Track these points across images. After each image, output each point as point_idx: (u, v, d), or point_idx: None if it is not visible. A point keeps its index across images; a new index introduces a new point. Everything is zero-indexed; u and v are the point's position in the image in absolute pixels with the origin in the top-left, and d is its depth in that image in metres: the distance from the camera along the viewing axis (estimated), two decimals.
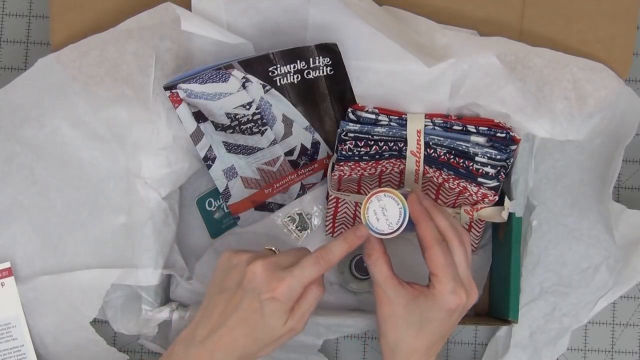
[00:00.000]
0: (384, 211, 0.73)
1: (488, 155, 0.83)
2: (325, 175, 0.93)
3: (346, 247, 0.73)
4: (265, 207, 0.92)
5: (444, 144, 0.84)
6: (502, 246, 0.89)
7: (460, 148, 0.84)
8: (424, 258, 0.75)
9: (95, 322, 0.88)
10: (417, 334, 0.74)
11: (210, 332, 0.72)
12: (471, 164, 0.84)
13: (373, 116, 0.86)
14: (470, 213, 0.86)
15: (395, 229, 0.73)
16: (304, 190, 0.93)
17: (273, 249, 0.76)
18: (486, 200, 0.85)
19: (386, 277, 0.74)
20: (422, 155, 0.85)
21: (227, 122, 0.83)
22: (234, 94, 0.82)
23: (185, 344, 0.72)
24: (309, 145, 0.90)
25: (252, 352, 0.72)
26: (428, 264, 0.73)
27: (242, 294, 0.71)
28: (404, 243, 0.89)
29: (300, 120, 0.87)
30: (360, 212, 0.76)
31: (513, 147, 0.85)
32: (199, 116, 0.82)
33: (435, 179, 0.86)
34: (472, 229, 0.90)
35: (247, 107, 0.83)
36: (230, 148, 0.86)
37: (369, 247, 0.75)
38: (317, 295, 0.74)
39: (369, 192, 0.89)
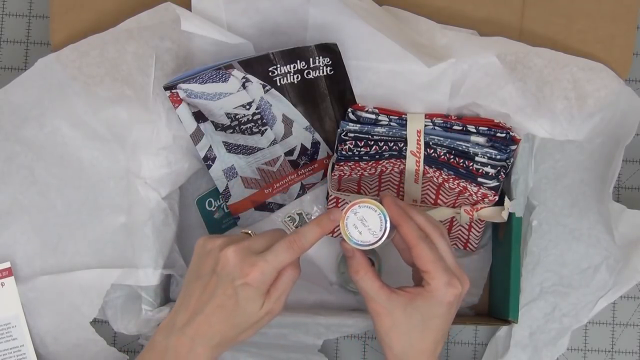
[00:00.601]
0: (364, 222, 0.73)
1: (488, 155, 0.83)
2: (325, 175, 0.93)
3: (319, 232, 0.73)
4: (265, 207, 0.92)
5: (444, 144, 0.84)
6: (502, 246, 0.89)
7: (460, 148, 0.84)
8: (405, 259, 0.75)
9: (95, 322, 0.88)
10: (422, 335, 0.74)
11: (188, 319, 0.71)
12: (471, 164, 0.84)
13: (373, 116, 0.86)
14: (470, 213, 0.86)
15: (380, 236, 0.73)
16: (304, 190, 0.93)
17: (249, 232, 0.76)
18: (486, 200, 0.85)
19: (378, 288, 0.74)
20: (422, 155, 0.85)
21: (227, 122, 0.83)
22: (234, 94, 0.82)
23: (165, 332, 0.72)
24: (309, 145, 0.90)
25: (231, 337, 0.72)
26: (417, 262, 0.73)
27: (217, 280, 0.71)
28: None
29: (300, 120, 0.87)
30: None
31: (513, 147, 0.85)
32: (199, 116, 0.82)
33: (435, 179, 0.86)
34: (472, 229, 0.90)
35: (247, 107, 0.83)
36: (230, 148, 0.86)
37: (354, 263, 0.75)
38: (292, 277, 0.73)
39: (368, 193, 0.90)
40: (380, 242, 0.73)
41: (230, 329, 0.72)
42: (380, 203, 0.74)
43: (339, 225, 0.91)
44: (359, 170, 0.87)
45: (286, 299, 0.74)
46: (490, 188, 0.84)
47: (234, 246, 0.71)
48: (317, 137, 0.89)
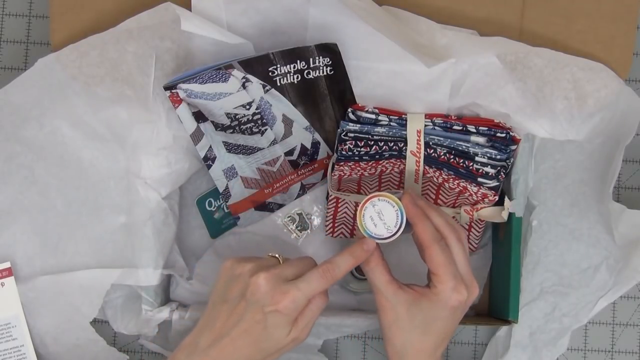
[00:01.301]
0: (381, 215, 0.73)
1: (488, 155, 0.83)
2: (325, 175, 0.93)
3: (353, 262, 0.73)
4: (265, 207, 0.92)
5: (444, 144, 0.84)
6: (502, 246, 0.89)
7: (460, 148, 0.84)
8: (422, 258, 0.75)
9: (95, 322, 0.88)
10: (422, 335, 0.74)
11: (213, 342, 0.71)
12: (471, 164, 0.84)
13: (373, 116, 0.86)
14: (470, 213, 0.86)
15: (394, 232, 0.73)
16: (304, 190, 0.93)
17: (277, 256, 0.76)
18: (486, 200, 0.85)
19: (386, 282, 0.74)
20: (422, 155, 0.85)
21: (227, 122, 0.83)
22: (234, 94, 0.82)
23: (187, 351, 0.72)
24: (309, 145, 0.90)
25: None
26: (428, 264, 0.73)
27: (245, 305, 0.71)
28: (403, 242, 0.89)
29: (300, 120, 0.87)
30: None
31: (513, 147, 0.85)
32: (199, 116, 0.82)
33: (435, 179, 0.86)
34: (472, 229, 0.90)
35: (247, 107, 0.83)
36: (230, 148, 0.86)
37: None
38: (321, 306, 0.74)
39: (368, 193, 0.90)
40: (392, 238, 0.73)
41: (255, 354, 0.72)
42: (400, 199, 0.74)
43: (343, 226, 0.91)
44: (359, 170, 0.87)
45: (312, 326, 0.74)
46: (490, 188, 0.84)
47: (265, 273, 0.71)
48: (317, 137, 0.89)
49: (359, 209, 0.73)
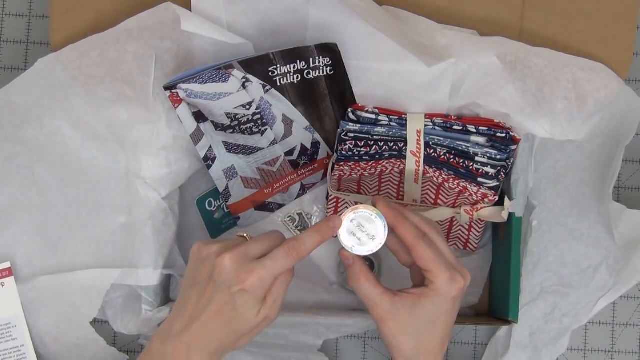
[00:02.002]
0: (362, 228, 0.73)
1: (488, 155, 0.83)
2: (325, 175, 0.93)
3: (319, 239, 0.73)
4: (265, 207, 0.92)
5: (444, 144, 0.84)
6: (502, 246, 0.89)
7: (460, 148, 0.84)
8: (405, 260, 0.75)
9: (95, 322, 0.88)
10: (430, 334, 0.74)
11: (185, 326, 0.71)
12: (471, 164, 0.84)
13: (373, 116, 0.86)
14: (470, 213, 0.86)
15: (381, 239, 0.74)
16: (304, 190, 0.93)
17: (245, 235, 0.75)
18: (486, 200, 0.85)
19: (380, 294, 0.74)
20: (422, 155, 0.85)
21: (227, 122, 0.83)
22: (234, 94, 0.82)
23: (162, 338, 0.72)
24: (309, 145, 0.90)
25: (229, 344, 0.72)
26: (419, 262, 0.73)
27: (213, 287, 0.71)
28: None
29: (300, 120, 0.87)
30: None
31: (513, 147, 0.85)
32: (199, 116, 0.82)
33: (435, 179, 0.86)
34: (472, 229, 0.90)
35: (247, 107, 0.83)
36: (230, 148, 0.86)
37: (354, 271, 0.75)
38: (287, 281, 0.73)
39: (368, 193, 0.90)
40: (380, 246, 0.73)
41: (228, 336, 0.71)
42: (374, 206, 0.74)
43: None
44: (359, 170, 0.87)
45: (282, 303, 0.73)
46: (490, 188, 0.84)
47: (230, 252, 0.71)
48: (317, 137, 0.89)
49: (339, 229, 0.73)
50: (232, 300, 0.70)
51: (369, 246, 0.74)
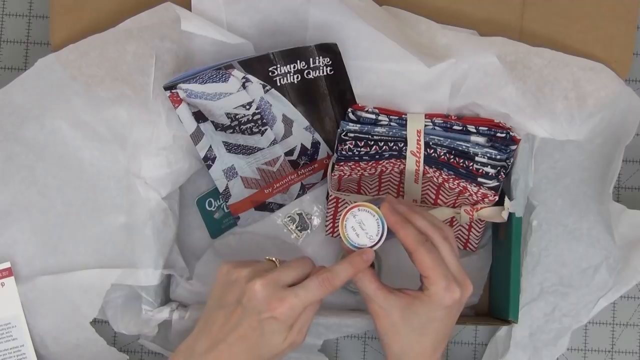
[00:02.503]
0: (362, 225, 0.74)
1: (488, 155, 0.83)
2: (325, 175, 0.93)
3: (352, 272, 0.73)
4: (265, 207, 0.92)
5: (444, 144, 0.84)
6: (502, 246, 0.89)
7: (460, 148, 0.84)
8: (412, 261, 0.75)
9: (95, 322, 0.88)
10: (420, 337, 0.74)
11: (210, 347, 0.71)
12: (471, 164, 0.84)
13: (373, 116, 0.86)
14: (470, 213, 0.86)
15: (376, 241, 0.73)
16: (304, 190, 0.93)
17: (274, 259, 0.75)
18: (486, 200, 0.85)
19: (375, 289, 0.74)
20: (422, 155, 0.85)
21: (227, 122, 0.83)
22: (234, 94, 0.82)
23: (185, 355, 0.72)
24: (309, 145, 0.90)
25: None
26: (417, 267, 0.73)
27: (242, 311, 0.71)
28: (398, 244, 0.89)
29: (300, 120, 0.87)
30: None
31: (513, 147, 0.85)
32: (199, 116, 0.82)
33: (435, 179, 0.86)
34: (472, 229, 0.90)
35: (247, 107, 0.83)
36: (230, 148, 0.86)
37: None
38: (315, 310, 0.74)
39: (368, 193, 0.90)
40: (376, 247, 0.73)
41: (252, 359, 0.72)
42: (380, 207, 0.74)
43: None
44: (359, 170, 0.87)
45: (308, 330, 0.74)
46: (490, 188, 0.84)
47: (262, 279, 0.71)
48: (317, 137, 0.89)
49: (340, 220, 0.74)
50: (261, 327, 0.70)
51: (365, 245, 0.74)
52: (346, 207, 0.89)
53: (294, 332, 0.72)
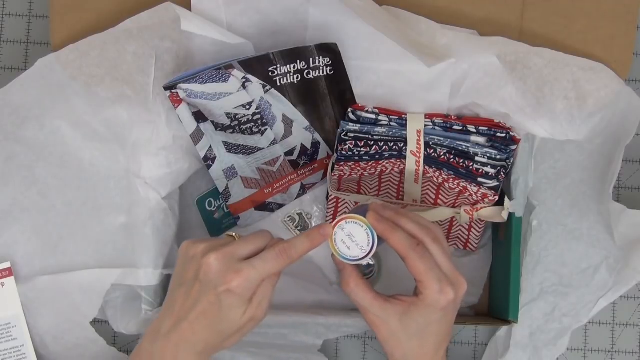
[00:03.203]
0: (352, 237, 0.73)
1: (488, 155, 0.83)
2: (325, 175, 0.93)
3: (309, 245, 0.73)
4: (265, 207, 0.92)
5: (444, 144, 0.84)
6: (502, 246, 0.89)
7: (460, 148, 0.84)
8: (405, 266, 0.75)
9: (95, 322, 0.88)
10: (421, 342, 0.74)
11: (173, 326, 0.71)
12: (471, 164, 0.84)
13: (373, 116, 0.86)
14: (470, 213, 0.86)
15: (368, 251, 0.73)
16: (304, 190, 0.93)
17: (233, 234, 0.75)
18: (486, 200, 0.85)
19: (371, 299, 0.74)
20: (422, 155, 0.85)
21: (227, 122, 0.83)
22: (234, 94, 0.82)
23: (151, 338, 0.72)
24: (309, 145, 0.90)
25: (216, 344, 0.72)
26: (410, 272, 0.73)
27: (200, 287, 0.70)
28: None
29: (300, 120, 0.87)
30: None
31: (513, 147, 0.85)
32: (199, 116, 0.82)
33: (435, 179, 0.86)
34: (472, 229, 0.90)
35: (247, 107, 0.83)
36: (230, 148, 0.86)
37: (345, 275, 0.74)
38: (273, 282, 0.73)
39: (368, 193, 0.90)
40: (368, 257, 0.73)
41: (214, 336, 0.71)
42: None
43: None
44: (359, 170, 0.87)
45: (268, 303, 0.73)
46: (490, 188, 0.84)
47: (217, 252, 0.70)
48: (317, 137, 0.89)
49: (330, 235, 0.73)
50: (218, 301, 0.70)
51: (357, 256, 0.73)
52: (346, 207, 0.90)
53: (253, 305, 0.71)
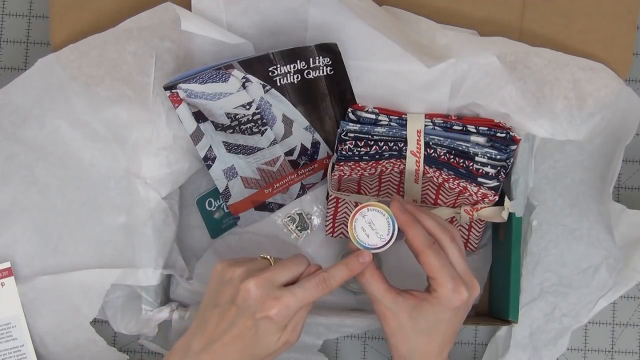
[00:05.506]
0: (372, 225, 0.73)
1: (488, 155, 0.83)
2: (325, 175, 0.93)
3: (348, 274, 0.73)
4: (265, 207, 0.92)
5: (444, 144, 0.84)
6: (502, 246, 0.89)
7: (460, 148, 0.84)
8: (419, 262, 0.75)
9: (95, 322, 0.88)
10: (428, 339, 0.74)
11: (205, 346, 0.71)
12: (471, 164, 0.84)
13: (373, 116, 0.86)
14: (470, 213, 0.86)
15: (387, 240, 0.73)
16: (304, 190, 0.93)
17: (268, 257, 0.75)
18: (486, 200, 0.85)
19: (384, 291, 0.74)
20: (422, 155, 0.85)
21: (227, 122, 0.83)
22: (234, 94, 0.82)
23: (180, 355, 0.72)
24: (309, 145, 0.90)
25: None
26: (424, 269, 0.73)
27: (236, 311, 0.71)
28: (403, 245, 0.89)
29: (300, 120, 0.87)
30: None
31: (513, 147, 0.85)
32: (199, 116, 0.82)
33: (435, 179, 0.86)
34: (472, 229, 0.90)
35: (247, 107, 0.83)
36: (230, 148, 0.86)
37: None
38: (309, 309, 0.74)
39: (368, 193, 0.90)
40: (387, 246, 0.73)
41: (246, 359, 0.72)
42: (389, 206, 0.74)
43: (343, 226, 0.91)
44: (359, 170, 0.87)
45: (302, 328, 0.74)
46: (490, 188, 0.84)
47: (255, 279, 0.71)
48: (317, 137, 0.89)
49: (349, 221, 0.73)
50: (255, 326, 0.70)
51: (376, 245, 0.73)
52: (346, 207, 0.90)
53: (287, 331, 0.72)
